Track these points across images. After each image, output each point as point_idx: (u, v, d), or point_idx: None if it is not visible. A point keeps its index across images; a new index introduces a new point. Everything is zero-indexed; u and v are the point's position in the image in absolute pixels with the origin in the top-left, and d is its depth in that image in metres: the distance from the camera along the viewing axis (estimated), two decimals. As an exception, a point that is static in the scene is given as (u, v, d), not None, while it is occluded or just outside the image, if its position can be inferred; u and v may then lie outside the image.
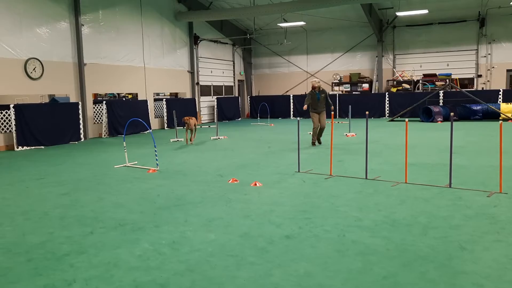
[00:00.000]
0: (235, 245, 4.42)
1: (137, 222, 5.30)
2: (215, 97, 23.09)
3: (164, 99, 19.57)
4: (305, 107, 11.92)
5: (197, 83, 22.36)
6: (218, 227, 5.01)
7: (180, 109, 18.90)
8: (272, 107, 22.55)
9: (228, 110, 23.31)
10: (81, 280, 3.67)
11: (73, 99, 15.60)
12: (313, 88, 11.77)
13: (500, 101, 19.33)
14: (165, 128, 19.40)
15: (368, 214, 5.35)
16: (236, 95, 25.87)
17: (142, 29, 18.68)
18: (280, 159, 9.74)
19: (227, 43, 24.89)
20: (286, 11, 19.59)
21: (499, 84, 21.55)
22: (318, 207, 5.77)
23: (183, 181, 7.70)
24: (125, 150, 9.79)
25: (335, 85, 24.58)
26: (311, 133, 12.24)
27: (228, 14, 20.99)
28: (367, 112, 8.17)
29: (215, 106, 22.15)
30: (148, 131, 10.67)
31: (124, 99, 20.39)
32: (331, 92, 24.14)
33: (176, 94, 22.04)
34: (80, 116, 15.10)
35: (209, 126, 19.72)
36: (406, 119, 7.62)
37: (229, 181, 7.46)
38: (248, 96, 25.94)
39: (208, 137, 14.85)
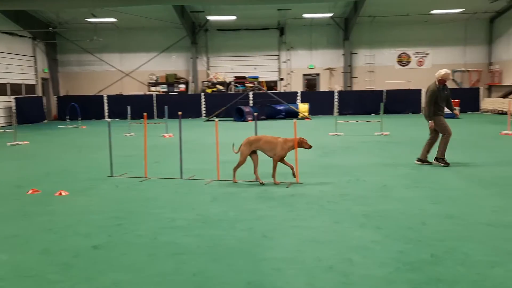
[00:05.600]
0: (33, 263, 3.92)
1: None
2: (13, 97, 20.19)
3: None
4: (431, 124, 8.10)
5: (-11, 81, 19.20)
6: (12, 246, 4.37)
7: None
8: (83, 108, 20.88)
9: (30, 111, 20.66)
10: None
11: None
12: (442, 82, 8.12)
13: (298, 102, 22.04)
14: None
15: (182, 214, 5.40)
16: (40, 94, 23.15)
17: None
18: (91, 164, 9.08)
19: (25, 37, 22.04)
20: (89, 6, 18.40)
21: (297, 86, 24.58)
22: (131, 212, 5.56)
23: (-33, 196, 6.48)
24: None
25: (151, 86, 24.27)
26: (442, 145, 8.15)
27: (23, 5, 18.48)
28: (179, 113, 8.30)
29: (13, 107, 19.38)
30: None
31: None
32: (147, 93, 23.76)
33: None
34: None
35: (4, 131, 17.11)
36: (216, 119, 7.99)
37: (29, 192, 6.60)
38: (55, 96, 23.52)
39: (4, 143, 12.89)
